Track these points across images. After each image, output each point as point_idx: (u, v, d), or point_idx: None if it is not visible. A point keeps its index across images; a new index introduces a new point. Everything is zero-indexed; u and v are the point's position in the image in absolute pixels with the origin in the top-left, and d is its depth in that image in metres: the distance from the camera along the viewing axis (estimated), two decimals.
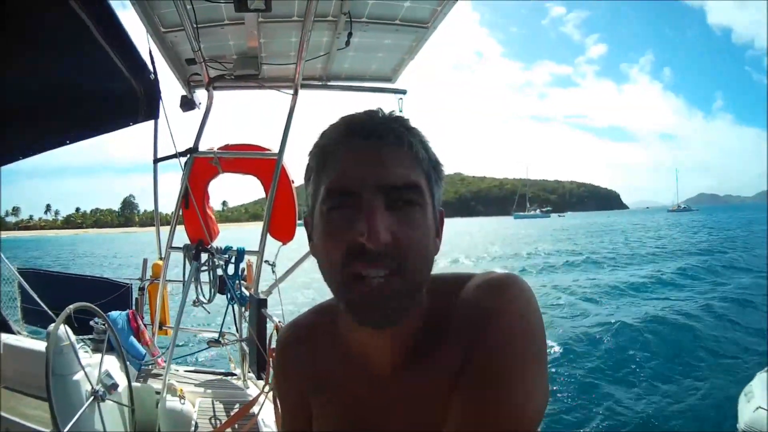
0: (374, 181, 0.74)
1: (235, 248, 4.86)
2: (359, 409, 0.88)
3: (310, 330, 1.00)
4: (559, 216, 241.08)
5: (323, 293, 0.86)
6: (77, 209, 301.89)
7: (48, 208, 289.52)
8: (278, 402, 3.44)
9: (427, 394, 0.81)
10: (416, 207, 0.77)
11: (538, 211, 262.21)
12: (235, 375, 5.26)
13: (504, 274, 0.83)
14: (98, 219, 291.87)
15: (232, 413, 4.40)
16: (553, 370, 10.34)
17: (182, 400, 4.29)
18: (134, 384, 4.14)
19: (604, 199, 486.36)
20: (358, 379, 0.89)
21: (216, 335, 5.14)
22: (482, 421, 0.70)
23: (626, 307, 17.55)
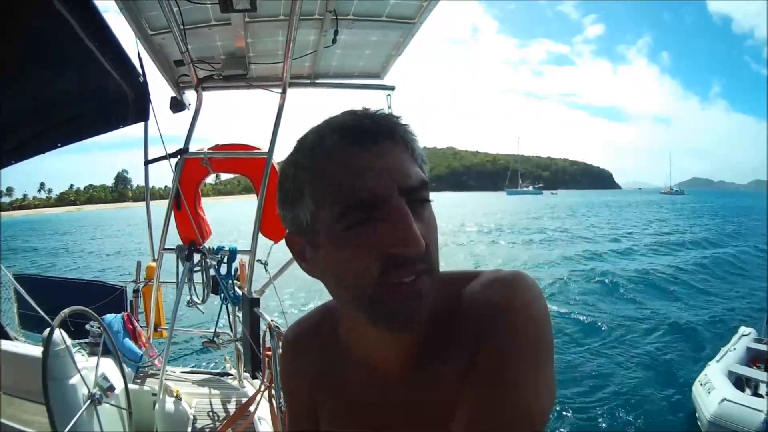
0: (396, 186, 0.72)
1: (227, 248, 4.87)
2: (367, 411, 0.88)
3: (315, 330, 1.00)
4: (552, 193, 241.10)
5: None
6: (71, 186, 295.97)
7: (42, 186, 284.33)
8: (284, 401, 3.45)
9: (434, 394, 0.81)
10: (427, 204, 0.77)
11: (530, 188, 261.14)
12: (231, 375, 5.28)
13: (512, 272, 0.83)
14: (92, 195, 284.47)
15: (228, 412, 4.43)
16: None
17: (179, 401, 4.31)
18: (131, 386, 4.16)
19: (597, 178, 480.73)
20: (365, 381, 0.88)
21: (211, 335, 5.15)
22: (490, 420, 0.69)
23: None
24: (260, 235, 4.80)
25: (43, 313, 4.18)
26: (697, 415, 8.18)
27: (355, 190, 0.71)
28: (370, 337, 0.85)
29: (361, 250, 0.72)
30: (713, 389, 8.01)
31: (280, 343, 3.48)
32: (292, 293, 16.13)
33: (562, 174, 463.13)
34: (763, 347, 9.40)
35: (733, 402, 7.55)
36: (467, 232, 41.22)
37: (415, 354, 0.83)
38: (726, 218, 59.85)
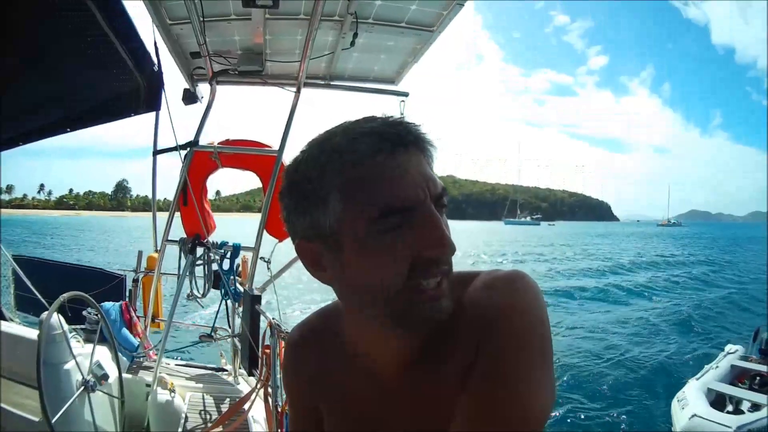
0: (429, 192, 0.75)
1: (231, 243, 4.85)
2: (368, 412, 0.88)
3: (317, 333, 1.01)
4: (549, 224, 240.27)
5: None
6: (70, 190, 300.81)
7: (41, 187, 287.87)
8: (281, 400, 3.43)
9: (435, 394, 0.81)
10: (445, 209, 0.79)
11: (528, 218, 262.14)
12: (226, 371, 5.25)
13: (510, 271, 0.83)
14: (90, 201, 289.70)
15: (222, 408, 4.40)
16: None
17: (172, 394, 4.29)
18: (125, 376, 4.14)
19: (596, 210, 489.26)
20: (366, 382, 0.89)
21: (208, 330, 5.13)
22: (489, 420, 0.70)
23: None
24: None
25: (40, 297, 4.16)
26: (672, 430, 8.49)
27: (393, 194, 0.73)
28: (374, 338, 0.86)
29: (395, 252, 0.73)
30: (687, 405, 8.30)
31: (282, 342, 3.47)
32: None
33: (560, 205, 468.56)
34: (748, 364, 9.62)
35: (702, 418, 7.84)
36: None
37: (417, 354, 0.84)
38: (722, 249, 62.51)
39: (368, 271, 0.76)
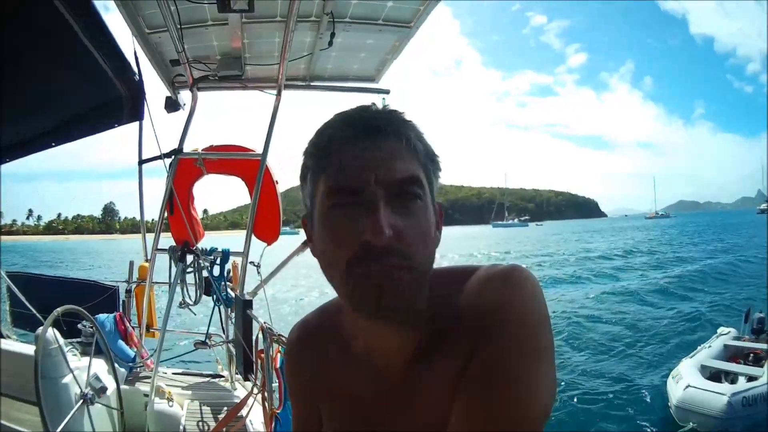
0: (375, 177, 0.73)
1: (220, 249, 4.85)
2: (368, 410, 0.88)
3: (317, 331, 1.00)
4: (537, 225, 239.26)
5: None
6: (59, 215, 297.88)
7: (30, 213, 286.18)
8: (277, 403, 3.45)
9: (435, 392, 0.79)
10: (417, 200, 0.76)
11: (516, 220, 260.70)
12: (223, 377, 5.25)
13: (509, 266, 0.82)
14: (79, 225, 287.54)
15: (220, 415, 4.40)
16: None
17: (170, 403, 4.28)
18: (123, 387, 4.13)
19: (583, 208, 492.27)
20: (366, 380, 0.88)
21: (203, 337, 5.12)
22: (487, 419, 0.69)
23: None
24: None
25: (35, 312, 4.13)
26: (668, 404, 8.66)
27: (339, 175, 0.75)
28: (372, 335, 0.85)
29: (337, 233, 0.75)
30: (681, 380, 8.51)
31: (275, 345, 3.48)
32: None
33: (547, 205, 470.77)
34: (741, 343, 9.87)
35: (696, 388, 8.12)
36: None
37: (415, 350, 0.83)
38: (708, 236, 62.86)
39: (322, 249, 0.79)
